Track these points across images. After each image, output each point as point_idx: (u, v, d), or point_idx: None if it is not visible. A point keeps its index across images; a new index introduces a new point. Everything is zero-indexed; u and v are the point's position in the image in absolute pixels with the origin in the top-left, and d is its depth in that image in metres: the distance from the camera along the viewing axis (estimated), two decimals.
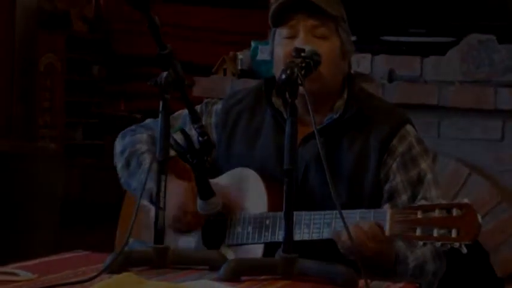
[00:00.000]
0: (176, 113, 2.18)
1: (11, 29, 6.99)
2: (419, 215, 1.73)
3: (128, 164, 2.18)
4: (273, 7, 2.08)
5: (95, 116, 8.88)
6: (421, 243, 1.73)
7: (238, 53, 3.87)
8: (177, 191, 2.03)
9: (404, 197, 2.03)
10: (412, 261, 1.97)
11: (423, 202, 1.83)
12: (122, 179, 2.21)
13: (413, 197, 2.03)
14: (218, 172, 2.12)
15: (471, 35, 3.60)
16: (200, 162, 1.94)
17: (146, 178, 1.84)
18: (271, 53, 2.11)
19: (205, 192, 1.95)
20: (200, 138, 1.92)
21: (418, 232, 1.72)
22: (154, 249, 1.81)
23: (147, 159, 2.15)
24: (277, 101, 2.12)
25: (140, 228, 2.12)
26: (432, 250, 2.00)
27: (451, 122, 3.60)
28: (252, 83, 2.83)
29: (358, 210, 1.86)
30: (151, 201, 2.05)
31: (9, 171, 4.50)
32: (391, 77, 3.66)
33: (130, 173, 2.17)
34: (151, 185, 1.94)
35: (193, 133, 1.94)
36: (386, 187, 2.04)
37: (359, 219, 1.84)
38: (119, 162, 2.21)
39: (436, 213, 1.71)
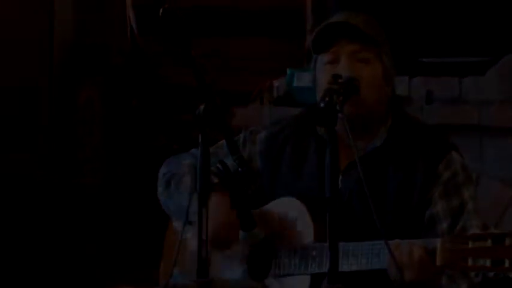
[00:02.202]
0: (220, 142, 2.17)
1: (49, 64, 7.04)
2: (471, 244, 1.70)
3: (167, 185, 2.18)
4: (314, 33, 2.07)
5: (134, 148, 8.90)
6: (472, 274, 1.69)
7: (274, 81, 3.87)
8: (215, 207, 1.99)
9: (444, 225, 2.00)
10: None
11: (474, 230, 1.79)
12: (162, 200, 2.20)
13: (453, 225, 2.00)
14: (264, 200, 2.11)
15: (510, 54, 3.56)
16: (241, 193, 1.93)
17: (177, 198, 1.82)
18: (313, 80, 2.10)
19: (247, 223, 1.94)
20: (240, 169, 1.91)
21: (470, 262, 1.68)
22: (198, 283, 1.79)
23: (186, 180, 2.13)
24: (320, 129, 2.11)
25: (185, 259, 2.11)
26: (470, 286, 1.95)
27: (493, 142, 3.55)
28: (289, 110, 2.81)
29: (407, 241, 1.84)
30: (188, 222, 2.02)
31: (51, 207, 4.53)
32: (430, 98, 3.62)
33: (169, 195, 2.17)
34: (187, 205, 1.91)
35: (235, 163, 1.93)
36: (427, 213, 2.02)
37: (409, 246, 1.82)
38: (160, 186, 2.21)
39: (488, 243, 1.67)
